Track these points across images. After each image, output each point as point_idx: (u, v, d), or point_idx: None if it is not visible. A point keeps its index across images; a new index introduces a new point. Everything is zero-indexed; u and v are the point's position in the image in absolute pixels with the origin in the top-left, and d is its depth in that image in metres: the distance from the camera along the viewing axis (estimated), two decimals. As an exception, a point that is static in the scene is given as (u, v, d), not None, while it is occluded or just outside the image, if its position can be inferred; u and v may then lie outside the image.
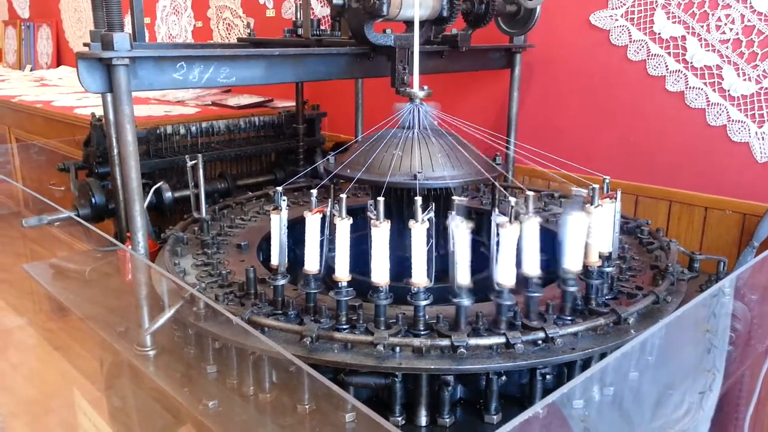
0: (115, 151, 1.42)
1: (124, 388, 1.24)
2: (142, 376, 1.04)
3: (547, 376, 0.94)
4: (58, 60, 4.12)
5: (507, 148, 1.68)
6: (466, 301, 0.89)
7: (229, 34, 2.82)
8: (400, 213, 1.18)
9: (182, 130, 1.80)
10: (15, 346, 1.94)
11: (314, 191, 0.94)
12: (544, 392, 0.93)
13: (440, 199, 1.18)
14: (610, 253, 1.02)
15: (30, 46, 4.22)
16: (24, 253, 1.79)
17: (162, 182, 1.54)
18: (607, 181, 1.04)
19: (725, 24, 1.45)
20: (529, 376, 0.94)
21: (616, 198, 0.99)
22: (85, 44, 1.26)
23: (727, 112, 1.47)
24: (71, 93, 2.83)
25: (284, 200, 0.96)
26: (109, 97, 1.40)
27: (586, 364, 0.94)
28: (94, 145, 1.65)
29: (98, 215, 1.58)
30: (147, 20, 3.24)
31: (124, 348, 1.07)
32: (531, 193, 0.91)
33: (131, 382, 1.17)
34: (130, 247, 1.11)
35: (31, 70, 4.10)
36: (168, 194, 1.60)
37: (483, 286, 0.94)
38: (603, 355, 0.93)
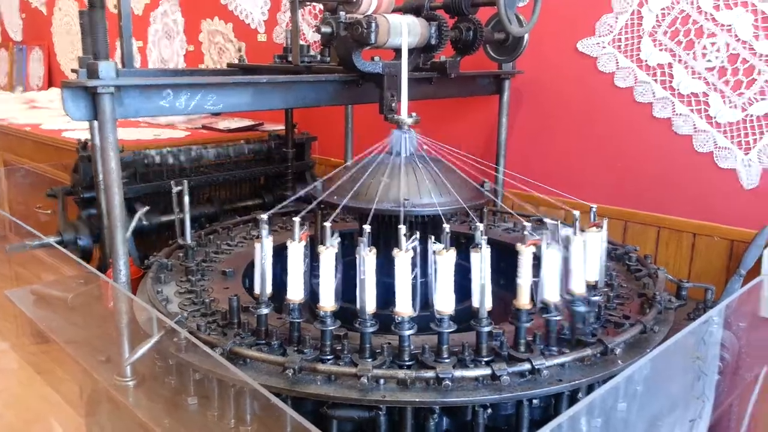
0: (101, 177, 1.41)
1: (106, 416, 1.22)
2: (124, 404, 1.02)
3: (534, 407, 0.93)
4: (50, 82, 4.13)
5: (496, 173, 1.68)
6: (446, 329, 0.88)
7: (220, 58, 2.83)
8: (387, 240, 1.17)
9: (170, 155, 1.79)
10: (-3, 371, 1.90)
11: (297, 219, 0.93)
12: (531, 423, 0.92)
13: (428, 226, 1.17)
14: (597, 282, 1.01)
15: (22, 68, 4.23)
16: (9, 276, 1.76)
17: (145, 208, 1.52)
18: (594, 209, 1.04)
19: (711, 52, 1.46)
20: (515, 407, 0.92)
21: (602, 227, 0.99)
22: (73, 70, 1.26)
23: (714, 139, 1.48)
24: (60, 116, 2.82)
25: (266, 229, 0.95)
26: (95, 122, 1.39)
27: (573, 394, 0.93)
28: (80, 174, 1.64)
29: (84, 256, 1.57)
30: (139, 44, 3.25)
31: (105, 377, 1.05)
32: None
33: (113, 409, 1.15)
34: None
35: (22, 92, 4.10)
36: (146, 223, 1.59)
37: (468, 314, 0.93)
38: (590, 386, 0.92)
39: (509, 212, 1.51)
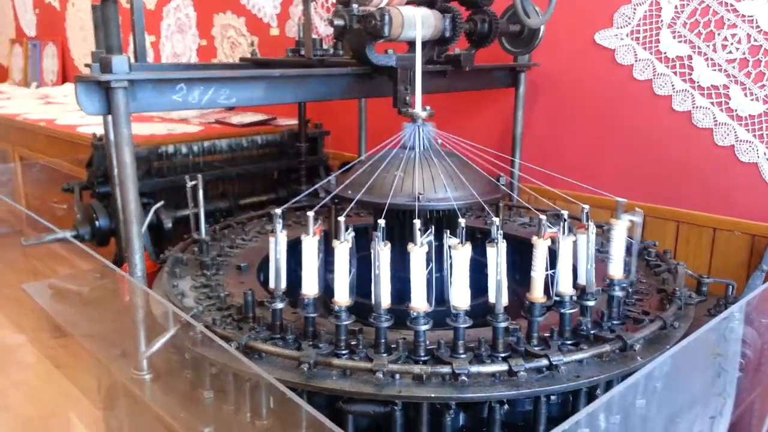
0: (116, 171, 1.41)
1: (123, 409, 1.22)
2: (141, 398, 1.02)
3: (552, 403, 0.92)
4: (64, 77, 4.15)
5: (512, 167, 1.66)
6: (462, 325, 0.87)
7: (233, 52, 2.83)
8: (402, 235, 1.16)
9: (184, 149, 1.80)
10: (16, 364, 1.92)
11: (311, 213, 0.92)
12: (548, 420, 0.90)
13: (442, 221, 1.16)
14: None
15: (36, 63, 4.25)
16: (27, 270, 1.78)
17: (161, 203, 1.52)
18: (586, 209, 0.99)
19: (731, 44, 1.43)
20: (533, 403, 0.91)
21: (588, 229, 0.96)
22: (86, 65, 1.26)
23: (735, 132, 1.46)
24: (75, 111, 2.84)
25: (280, 224, 0.95)
26: (109, 117, 1.39)
27: (591, 391, 0.91)
28: (95, 166, 1.65)
29: (102, 238, 1.57)
30: (152, 38, 3.26)
31: (121, 371, 1.05)
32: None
33: (131, 403, 1.15)
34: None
35: (37, 88, 4.13)
36: (168, 222, 1.60)
37: (484, 309, 0.92)
38: (609, 383, 0.91)
39: (525, 206, 1.49)
